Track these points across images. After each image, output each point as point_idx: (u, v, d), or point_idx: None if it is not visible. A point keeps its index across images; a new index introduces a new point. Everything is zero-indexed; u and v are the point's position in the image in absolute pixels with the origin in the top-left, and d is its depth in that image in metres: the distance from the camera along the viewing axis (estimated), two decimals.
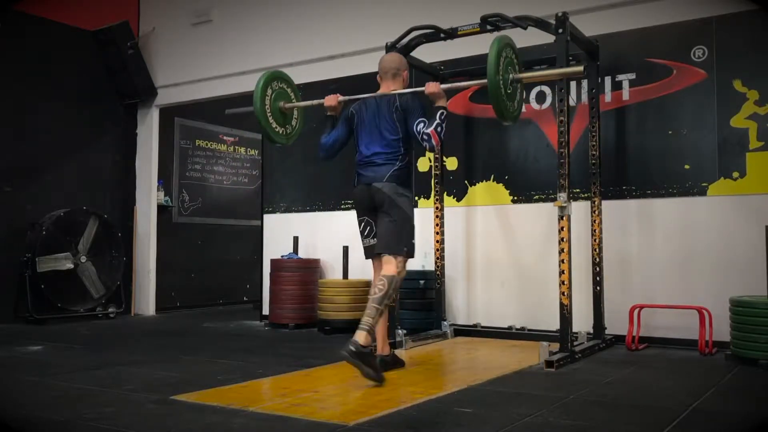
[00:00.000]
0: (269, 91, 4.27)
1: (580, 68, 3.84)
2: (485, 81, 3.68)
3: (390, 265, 3.78)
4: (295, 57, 6.73)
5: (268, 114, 4.25)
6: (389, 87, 4.01)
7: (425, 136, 3.74)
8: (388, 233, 3.83)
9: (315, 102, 4.28)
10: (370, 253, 3.98)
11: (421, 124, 3.77)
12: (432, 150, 3.86)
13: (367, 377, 3.48)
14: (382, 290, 3.66)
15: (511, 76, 3.83)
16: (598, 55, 4.97)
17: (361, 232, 4.02)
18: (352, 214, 6.43)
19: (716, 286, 4.66)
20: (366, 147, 3.96)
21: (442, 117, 3.75)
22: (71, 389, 3.48)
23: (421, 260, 5.67)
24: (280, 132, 4.36)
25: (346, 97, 4.15)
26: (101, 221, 7.04)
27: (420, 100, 3.90)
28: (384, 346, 3.98)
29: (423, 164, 5.85)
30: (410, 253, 3.90)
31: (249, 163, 9.20)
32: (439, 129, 3.73)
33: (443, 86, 3.85)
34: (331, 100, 4.13)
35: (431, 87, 3.81)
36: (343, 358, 3.48)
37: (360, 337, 3.54)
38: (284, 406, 3.05)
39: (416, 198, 5.84)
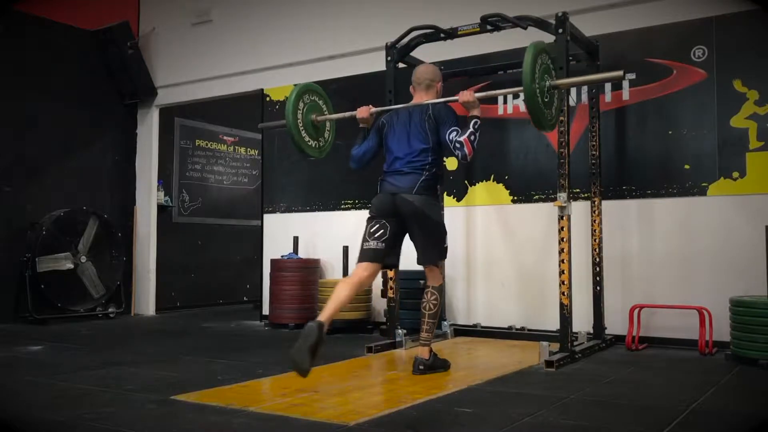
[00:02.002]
0: (301, 105, 4.20)
1: (620, 73, 3.72)
2: (521, 89, 3.58)
3: (434, 274, 3.90)
4: (295, 57, 6.74)
5: (301, 128, 4.19)
6: (422, 98, 3.94)
7: (458, 144, 3.64)
8: (428, 246, 3.83)
9: (347, 114, 4.19)
10: (371, 256, 3.73)
11: (454, 133, 3.68)
12: (464, 159, 3.68)
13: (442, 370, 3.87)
14: (436, 304, 3.87)
15: (547, 83, 3.70)
16: (598, 55, 4.97)
17: (370, 233, 3.77)
18: (352, 214, 6.46)
19: (716, 286, 4.66)
20: (393, 155, 3.87)
21: (476, 126, 3.67)
22: (71, 389, 3.48)
23: None
24: (313, 145, 4.30)
25: (379, 108, 4.08)
26: (101, 221, 7.04)
27: (453, 110, 3.84)
28: (328, 319, 3.54)
29: None
30: (444, 257, 3.98)
31: (249, 163, 9.20)
32: (472, 138, 3.64)
33: (477, 95, 3.77)
34: (363, 111, 4.06)
35: (465, 96, 3.75)
36: (419, 373, 3.79)
37: (424, 353, 3.85)
38: (284, 406, 3.05)
39: None
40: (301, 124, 4.20)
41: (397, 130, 3.90)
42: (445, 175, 3.87)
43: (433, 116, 3.80)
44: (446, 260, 5.39)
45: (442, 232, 3.93)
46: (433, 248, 3.86)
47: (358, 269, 3.74)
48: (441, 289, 3.93)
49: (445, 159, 4.79)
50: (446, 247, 3.96)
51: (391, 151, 3.89)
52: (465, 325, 5.54)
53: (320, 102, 4.36)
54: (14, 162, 6.80)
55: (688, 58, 4.90)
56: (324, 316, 3.36)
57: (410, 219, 3.77)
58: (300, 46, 6.72)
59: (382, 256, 3.74)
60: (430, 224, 3.78)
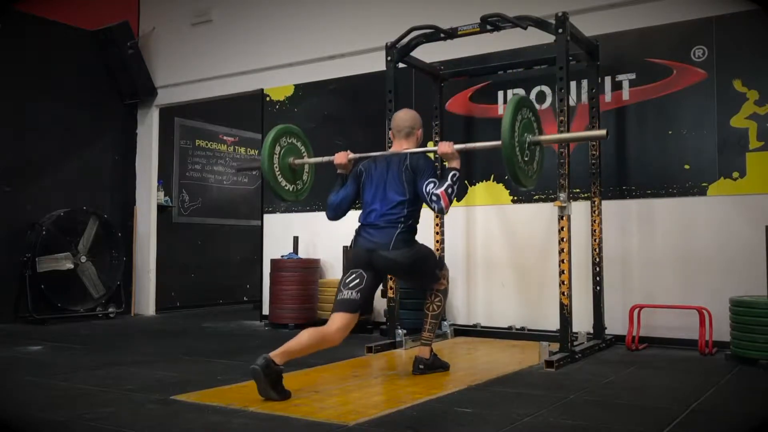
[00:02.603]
0: (278, 149, 4.05)
1: (603, 132, 3.70)
2: (500, 143, 3.51)
3: (440, 281, 3.92)
4: (295, 57, 6.74)
5: (277, 172, 4.05)
6: (401, 146, 3.83)
7: (434, 197, 3.54)
8: (425, 278, 3.87)
9: (325, 159, 4.07)
10: (345, 306, 3.58)
11: (431, 185, 3.57)
12: (441, 212, 3.63)
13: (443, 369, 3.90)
14: (440, 306, 3.91)
15: (528, 138, 3.64)
16: (598, 55, 4.97)
17: (345, 283, 3.64)
18: (352, 214, 6.43)
19: (716, 286, 4.66)
20: (368, 208, 3.77)
21: (454, 179, 3.56)
22: (71, 389, 3.49)
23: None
24: (290, 189, 4.17)
25: (357, 155, 3.97)
26: (101, 221, 7.04)
27: (431, 161, 3.77)
28: (281, 357, 3.49)
29: None
30: (442, 269, 3.95)
31: None
32: (450, 191, 3.53)
33: (457, 147, 3.68)
34: (341, 157, 3.94)
35: (444, 147, 3.68)
36: (419, 373, 3.82)
37: (425, 352, 3.86)
38: (284, 406, 3.05)
39: None
40: (277, 168, 4.04)
41: (374, 180, 3.79)
42: (416, 231, 3.79)
43: (410, 167, 3.69)
44: (446, 260, 5.45)
45: (428, 262, 3.83)
46: (426, 278, 3.88)
47: (331, 321, 3.58)
48: (446, 292, 3.95)
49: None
50: (441, 261, 3.93)
51: (368, 201, 3.78)
52: (465, 325, 5.54)
53: (298, 144, 4.19)
54: (14, 162, 6.80)
55: (688, 58, 4.90)
56: (276, 351, 3.29)
57: (391, 272, 3.85)
58: (300, 46, 6.72)
59: (357, 306, 3.60)
60: (413, 267, 3.72)
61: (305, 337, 3.43)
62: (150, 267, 7.70)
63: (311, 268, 6.28)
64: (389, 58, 5.06)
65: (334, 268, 6.33)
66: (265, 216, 6.87)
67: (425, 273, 3.84)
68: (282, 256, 6.37)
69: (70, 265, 6.72)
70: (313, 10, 6.71)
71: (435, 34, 4.96)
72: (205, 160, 8.65)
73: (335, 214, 3.95)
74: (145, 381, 3.68)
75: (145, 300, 7.66)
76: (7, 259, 6.58)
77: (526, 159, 3.64)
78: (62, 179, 7.19)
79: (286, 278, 6.14)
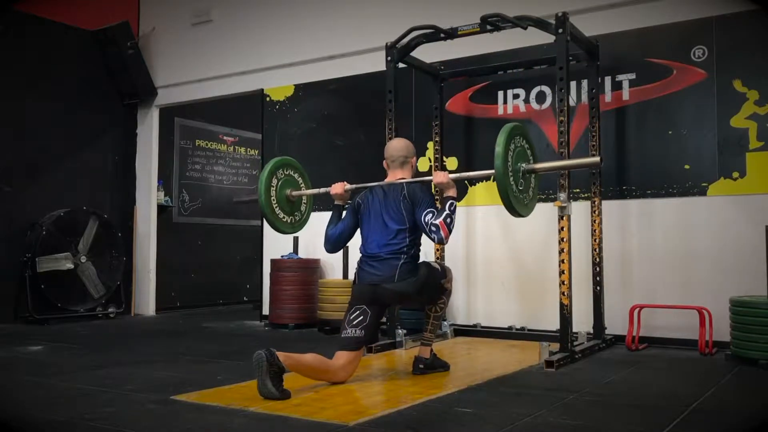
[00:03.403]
0: (275, 181, 4.03)
1: (596, 160, 3.70)
2: (493, 172, 3.50)
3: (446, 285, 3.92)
4: (295, 57, 6.74)
5: (274, 204, 4.04)
6: (396, 175, 3.84)
7: (433, 228, 3.52)
8: (428, 297, 3.83)
9: (322, 190, 4.07)
10: (350, 345, 3.57)
11: (430, 215, 3.56)
12: (440, 242, 3.59)
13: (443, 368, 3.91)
14: (443, 307, 3.90)
15: (522, 167, 3.64)
16: (598, 55, 4.97)
17: (349, 321, 3.62)
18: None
19: (716, 286, 4.66)
20: (369, 240, 3.75)
21: (452, 208, 3.56)
22: (71, 389, 3.48)
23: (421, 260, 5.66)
24: (287, 221, 4.15)
25: (353, 186, 3.96)
26: (101, 221, 7.04)
27: (428, 191, 3.75)
28: (286, 359, 3.53)
29: (423, 164, 5.85)
30: (446, 274, 3.92)
31: (249, 163, 9.20)
32: (448, 220, 3.52)
33: (452, 176, 3.68)
34: (337, 188, 3.93)
35: (439, 177, 3.66)
36: (419, 372, 3.81)
37: (425, 352, 3.86)
38: (284, 406, 3.05)
39: None
40: (274, 201, 4.04)
41: (372, 212, 3.78)
42: (419, 259, 3.81)
43: (408, 197, 3.68)
44: (446, 260, 5.45)
45: (431, 280, 3.78)
46: (434, 294, 3.84)
47: (336, 358, 3.56)
48: (449, 294, 3.95)
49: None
50: (442, 270, 3.89)
51: (368, 233, 3.77)
52: (465, 325, 5.54)
53: (296, 175, 4.19)
54: (14, 162, 6.80)
55: (688, 58, 4.90)
56: (284, 353, 3.30)
57: (400, 302, 3.88)
58: (300, 46, 6.72)
59: (361, 343, 3.63)
60: (422, 292, 3.73)
61: (309, 356, 3.47)
62: (150, 267, 7.70)
63: (311, 268, 6.28)
64: (389, 58, 5.06)
65: (334, 268, 6.33)
66: None
67: (432, 290, 3.82)
68: (282, 256, 6.37)
69: (70, 265, 6.72)
70: (313, 10, 6.71)
71: (435, 34, 4.96)
72: (205, 160, 8.65)
73: (334, 248, 3.93)
74: (145, 381, 3.68)
75: (145, 300, 7.65)
76: (7, 259, 6.58)
77: (521, 188, 3.63)
78: (62, 179, 7.19)
79: (286, 278, 6.14)
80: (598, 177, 4.93)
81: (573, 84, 5.16)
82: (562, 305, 4.24)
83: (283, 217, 4.13)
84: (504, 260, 5.53)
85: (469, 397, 3.27)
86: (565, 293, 4.23)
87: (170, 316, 7.43)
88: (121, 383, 3.60)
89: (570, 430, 2.69)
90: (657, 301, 4.84)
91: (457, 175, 3.80)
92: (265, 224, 6.80)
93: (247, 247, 8.54)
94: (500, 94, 5.61)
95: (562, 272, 4.25)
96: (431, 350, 3.89)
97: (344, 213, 3.93)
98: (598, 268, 4.87)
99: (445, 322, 5.33)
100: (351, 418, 2.83)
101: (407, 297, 3.73)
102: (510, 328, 5.36)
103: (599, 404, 3.13)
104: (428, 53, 5.38)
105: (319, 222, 6.43)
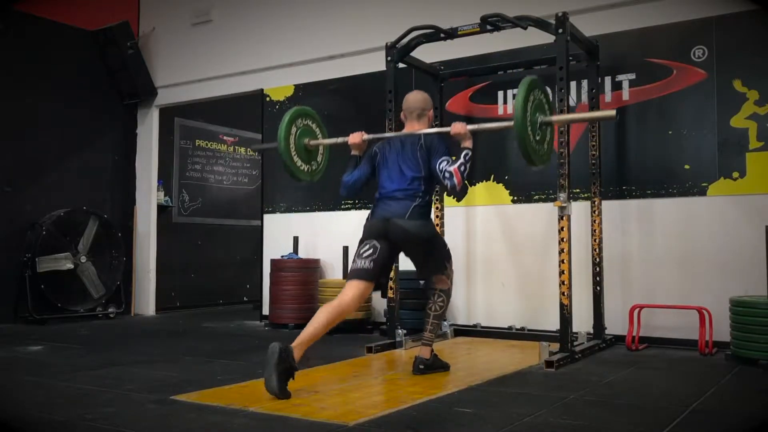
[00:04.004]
0: (294, 129, 4.14)
1: (612, 113, 3.73)
2: (512, 124, 3.58)
3: (443, 279, 3.92)
4: (295, 57, 6.74)
5: (293, 152, 4.14)
6: (414, 126, 3.93)
7: (447, 174, 3.64)
8: (429, 262, 3.89)
9: (339, 140, 4.15)
10: (359, 274, 3.70)
11: (444, 162, 3.69)
12: (453, 189, 3.67)
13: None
14: (443, 306, 3.89)
15: (540, 119, 3.70)
16: (598, 55, 4.97)
17: (360, 254, 3.76)
18: (352, 214, 6.46)
19: (716, 286, 4.66)
20: (386, 184, 3.86)
21: (467, 157, 3.68)
22: (71, 389, 3.48)
23: None
24: (305, 169, 4.25)
25: (371, 136, 4.04)
26: (101, 221, 7.04)
27: (445, 140, 3.83)
28: (300, 350, 3.55)
29: None
30: (449, 261, 3.98)
31: (249, 163, 9.20)
32: (462, 168, 3.63)
33: (470, 127, 3.77)
34: (355, 137, 4.02)
35: (457, 127, 3.76)
36: (415, 372, 3.80)
37: (425, 352, 3.85)
38: (284, 406, 3.05)
39: None
40: (293, 149, 4.13)
41: (389, 160, 3.89)
42: (431, 209, 3.89)
43: (425, 146, 3.80)
44: None
45: (440, 245, 3.96)
46: (438, 261, 3.90)
47: (345, 289, 3.69)
48: (449, 293, 3.94)
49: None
50: (447, 251, 3.98)
51: (384, 180, 3.87)
52: (465, 325, 5.54)
53: (313, 126, 4.28)
54: (14, 162, 6.80)
55: (688, 58, 4.90)
56: (297, 341, 3.38)
57: (404, 243, 3.82)
58: (300, 46, 6.72)
59: (371, 275, 3.70)
60: (426, 244, 3.81)
61: (323, 316, 3.54)
62: (150, 267, 7.70)
63: (311, 268, 6.29)
64: (389, 58, 5.06)
65: (334, 268, 6.33)
66: (265, 216, 6.87)
67: (434, 256, 3.88)
68: (282, 256, 6.37)
69: (70, 265, 6.72)
70: (313, 10, 6.71)
71: (435, 34, 4.96)
72: (205, 160, 8.65)
73: (348, 193, 4.07)
74: (145, 381, 3.68)
75: (145, 300, 7.66)
76: (7, 259, 6.58)
77: (537, 138, 3.71)
78: (62, 179, 7.19)
79: (286, 278, 6.15)
80: (598, 177, 4.93)
81: (573, 84, 5.16)
82: (562, 305, 4.24)
83: (301, 165, 4.23)
84: (504, 260, 5.53)
85: (469, 397, 3.27)
86: (565, 293, 4.23)
87: (170, 316, 7.43)
88: (121, 383, 3.60)
89: (570, 430, 2.69)
90: (657, 301, 4.84)
91: (475, 126, 3.90)
92: (265, 224, 6.84)
93: (247, 247, 8.54)
94: (500, 94, 5.61)
95: (562, 272, 4.25)
96: (431, 350, 3.89)
97: (361, 161, 4.04)
98: (598, 268, 4.87)
99: (445, 322, 5.33)
100: (351, 418, 2.83)
101: (412, 240, 3.76)
102: (510, 328, 5.36)
103: (599, 404, 3.13)
104: (428, 53, 5.38)
105: (318, 222, 6.48)
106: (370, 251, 3.73)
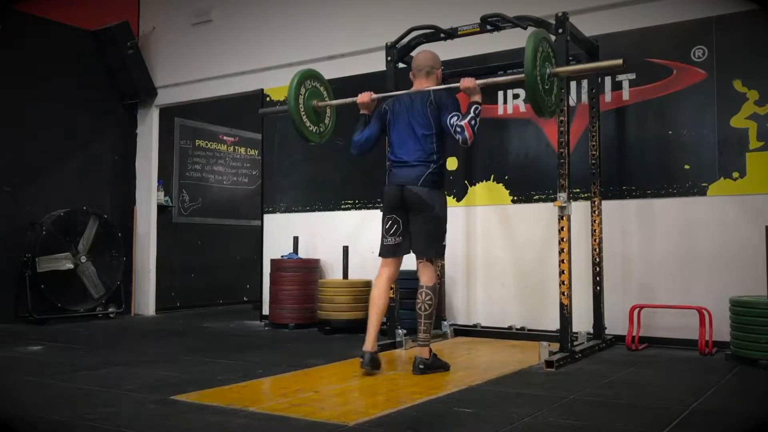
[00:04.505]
0: (303, 90, 4.27)
1: (619, 62, 3.78)
2: (522, 76, 3.68)
3: (428, 272, 3.90)
4: (295, 57, 6.73)
5: (302, 113, 4.27)
6: (422, 84, 4.01)
7: (458, 128, 3.75)
8: (423, 236, 3.89)
9: (348, 100, 4.27)
10: (389, 251, 3.96)
11: (455, 118, 3.78)
12: (464, 143, 3.78)
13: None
14: (431, 304, 3.86)
15: (548, 70, 3.81)
16: (598, 55, 4.97)
17: (386, 230, 3.96)
18: (352, 214, 6.47)
19: (716, 286, 4.66)
20: (399, 146, 3.95)
21: (477, 111, 3.77)
22: (71, 389, 3.49)
23: None
24: (314, 130, 4.39)
25: (380, 95, 4.14)
26: (101, 221, 7.04)
27: (454, 96, 3.92)
28: (374, 343, 3.89)
29: None
30: (441, 255, 4.01)
31: (249, 163, 9.20)
32: (473, 122, 3.75)
33: (479, 81, 3.87)
34: (364, 97, 4.13)
35: (466, 82, 3.85)
36: (419, 373, 3.79)
37: (424, 353, 3.86)
38: (284, 406, 3.05)
39: None
40: (302, 109, 4.26)
41: (400, 117, 3.97)
42: (446, 171, 3.94)
43: (435, 102, 3.88)
44: (446, 260, 5.45)
45: (442, 228, 3.97)
46: (432, 242, 3.90)
47: (383, 266, 3.98)
48: (435, 289, 3.89)
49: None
50: (444, 245, 4.01)
51: (396, 139, 3.97)
52: (465, 325, 5.54)
53: (321, 88, 4.43)
54: (14, 162, 6.80)
55: (688, 58, 4.90)
56: (368, 340, 3.84)
57: (414, 210, 3.87)
58: (300, 46, 6.72)
59: (402, 249, 3.96)
60: (432, 217, 3.86)
61: (381, 300, 3.91)
62: (150, 267, 7.70)
63: (311, 268, 6.29)
64: (389, 58, 5.06)
65: (334, 268, 6.33)
66: (265, 216, 6.87)
67: (431, 230, 3.89)
68: (282, 256, 6.37)
69: (70, 265, 6.72)
70: (313, 10, 6.71)
71: (435, 34, 4.96)
72: (205, 160, 8.65)
73: (360, 151, 4.14)
74: (145, 381, 3.68)
75: (145, 300, 7.66)
76: (7, 259, 6.58)
77: (546, 88, 3.79)
78: (62, 179, 7.19)
79: (286, 278, 6.14)
80: (598, 177, 4.93)
81: (573, 84, 5.16)
82: (562, 305, 4.24)
83: (311, 126, 4.35)
84: (504, 260, 5.53)
85: (469, 397, 3.27)
86: (565, 293, 4.23)
87: (170, 316, 7.43)
88: (121, 383, 3.61)
89: (570, 430, 2.69)
90: (657, 301, 4.84)
91: (484, 81, 3.97)
92: (265, 224, 6.84)
93: (247, 247, 8.54)
94: (500, 94, 5.61)
95: (562, 272, 4.25)
96: (430, 350, 3.89)
97: (371, 120, 4.13)
98: (598, 268, 4.87)
99: (445, 322, 5.33)
100: (351, 418, 2.83)
101: (418, 205, 3.84)
102: (510, 328, 5.36)
103: (599, 404, 3.13)
104: None
105: (318, 222, 6.48)
106: (395, 227, 3.93)
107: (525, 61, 3.63)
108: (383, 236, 3.98)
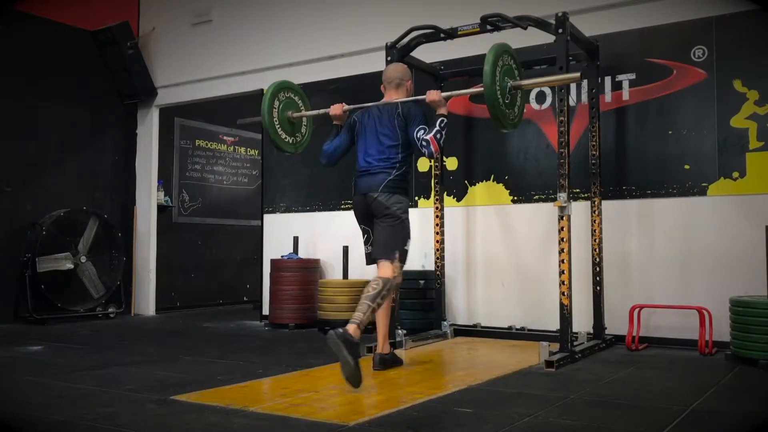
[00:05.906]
0: (276, 103, 4.31)
1: (577, 75, 3.87)
2: (482, 89, 3.72)
3: (385, 269, 3.87)
4: (295, 57, 6.73)
5: (277, 125, 4.32)
6: (392, 96, 4.10)
7: (424, 142, 3.80)
8: (383, 239, 3.94)
9: (321, 111, 4.34)
10: (369, 260, 4.06)
11: (421, 131, 3.84)
12: (431, 156, 3.95)
13: (344, 365, 3.34)
14: (376, 289, 3.70)
15: (509, 83, 3.85)
16: (598, 55, 4.97)
17: (364, 240, 4.09)
18: (352, 214, 6.45)
19: (716, 286, 4.66)
20: (364, 155, 4.05)
21: (442, 125, 3.82)
22: (71, 389, 3.49)
23: (421, 260, 5.68)
24: (289, 141, 4.44)
25: (351, 106, 4.21)
26: (101, 221, 7.04)
27: (422, 109, 3.98)
28: (384, 344, 4.02)
29: (423, 164, 5.86)
30: (402, 259, 3.95)
31: (249, 163, 9.20)
32: (438, 136, 3.79)
33: (444, 94, 3.96)
34: (336, 109, 4.19)
35: (432, 95, 3.90)
36: (328, 339, 3.41)
37: (350, 328, 3.53)
38: (284, 406, 3.05)
39: (416, 198, 5.85)
40: (276, 122, 4.31)
41: (367, 128, 4.06)
42: (410, 178, 4.02)
43: (402, 114, 3.95)
44: (446, 260, 5.46)
45: (403, 233, 3.94)
46: (387, 243, 3.89)
47: (378, 272, 3.93)
48: (387, 282, 3.74)
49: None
50: (406, 250, 3.97)
51: (362, 148, 4.06)
52: (465, 325, 5.54)
53: (296, 98, 4.46)
54: (14, 162, 6.81)
55: (688, 58, 4.90)
56: (380, 341, 4.01)
57: (377, 215, 3.95)
58: (300, 46, 6.72)
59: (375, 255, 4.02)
60: (388, 220, 3.90)
61: (383, 316, 3.97)
62: (150, 267, 7.70)
63: (311, 268, 6.29)
64: (389, 58, 5.05)
65: (334, 268, 6.33)
66: (265, 216, 6.87)
67: (392, 234, 3.89)
68: (282, 256, 6.37)
69: (70, 265, 6.72)
70: (313, 10, 6.71)
71: (435, 34, 4.96)
72: (205, 160, 8.65)
73: (329, 161, 4.22)
74: (145, 381, 3.68)
75: (145, 300, 7.66)
76: (7, 259, 6.59)
77: (507, 102, 3.84)
78: (62, 179, 7.19)
79: (286, 278, 6.15)
80: (598, 177, 4.93)
81: (573, 84, 5.15)
82: (562, 305, 4.24)
83: (285, 137, 4.40)
84: (504, 260, 5.53)
85: (469, 397, 3.27)
86: (565, 293, 4.23)
87: (170, 316, 7.43)
88: (121, 383, 3.61)
89: (570, 430, 2.69)
90: (657, 301, 4.84)
91: (449, 93, 4.10)
92: (265, 224, 6.84)
93: (247, 247, 8.54)
94: None
95: (562, 272, 4.25)
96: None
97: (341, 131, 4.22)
98: (598, 268, 4.87)
99: (445, 322, 5.33)
100: (351, 418, 2.83)
101: (381, 209, 3.90)
102: (510, 328, 5.36)
103: (599, 404, 3.13)
104: (428, 53, 5.37)
105: (318, 222, 6.48)
106: (366, 236, 4.06)
107: (484, 75, 3.67)
108: (364, 245, 4.10)
